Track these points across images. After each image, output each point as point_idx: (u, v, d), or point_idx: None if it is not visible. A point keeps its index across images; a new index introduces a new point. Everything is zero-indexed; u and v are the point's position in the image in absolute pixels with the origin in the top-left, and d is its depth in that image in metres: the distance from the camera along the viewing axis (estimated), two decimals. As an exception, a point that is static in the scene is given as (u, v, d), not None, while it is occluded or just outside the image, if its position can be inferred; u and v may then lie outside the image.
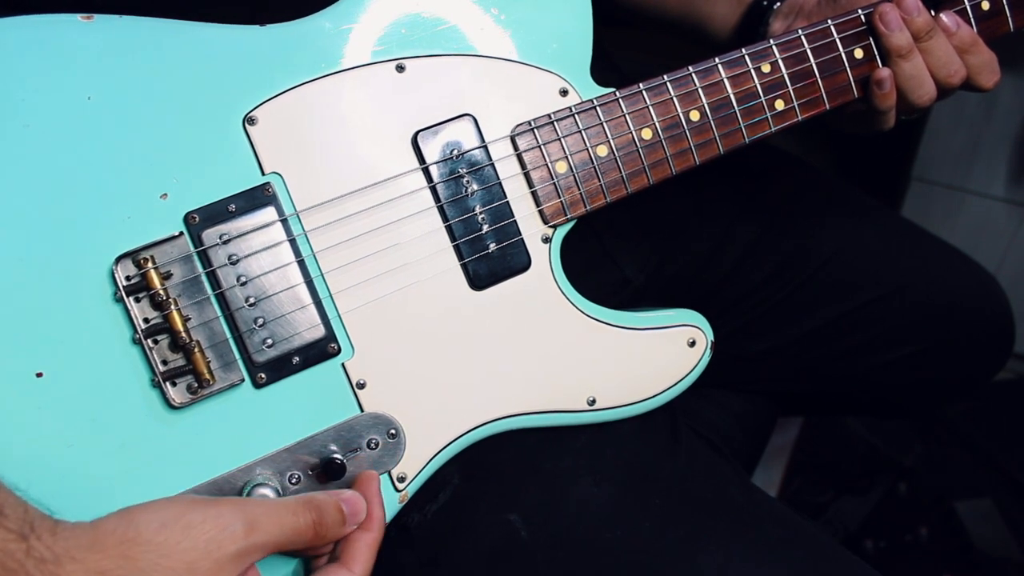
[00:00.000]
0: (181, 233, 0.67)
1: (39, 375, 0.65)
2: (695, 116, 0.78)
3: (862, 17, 0.81)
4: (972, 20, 0.84)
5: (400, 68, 0.72)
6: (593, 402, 0.78)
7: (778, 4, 0.91)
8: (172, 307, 0.66)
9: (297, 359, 0.70)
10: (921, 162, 1.75)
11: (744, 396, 1.17)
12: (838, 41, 0.81)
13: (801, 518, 0.82)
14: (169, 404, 0.67)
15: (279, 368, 0.70)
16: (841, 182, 1.16)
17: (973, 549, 1.47)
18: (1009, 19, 0.86)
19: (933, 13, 0.81)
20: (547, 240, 0.77)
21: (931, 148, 1.73)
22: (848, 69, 0.82)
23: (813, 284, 1.06)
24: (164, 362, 0.67)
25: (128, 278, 0.66)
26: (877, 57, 0.82)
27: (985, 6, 0.84)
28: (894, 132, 0.88)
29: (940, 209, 1.76)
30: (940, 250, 1.13)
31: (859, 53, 0.82)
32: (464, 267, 0.74)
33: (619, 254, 1.01)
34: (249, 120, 0.69)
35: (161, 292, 0.66)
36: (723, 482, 0.82)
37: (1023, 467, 1.55)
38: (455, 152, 0.73)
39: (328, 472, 0.70)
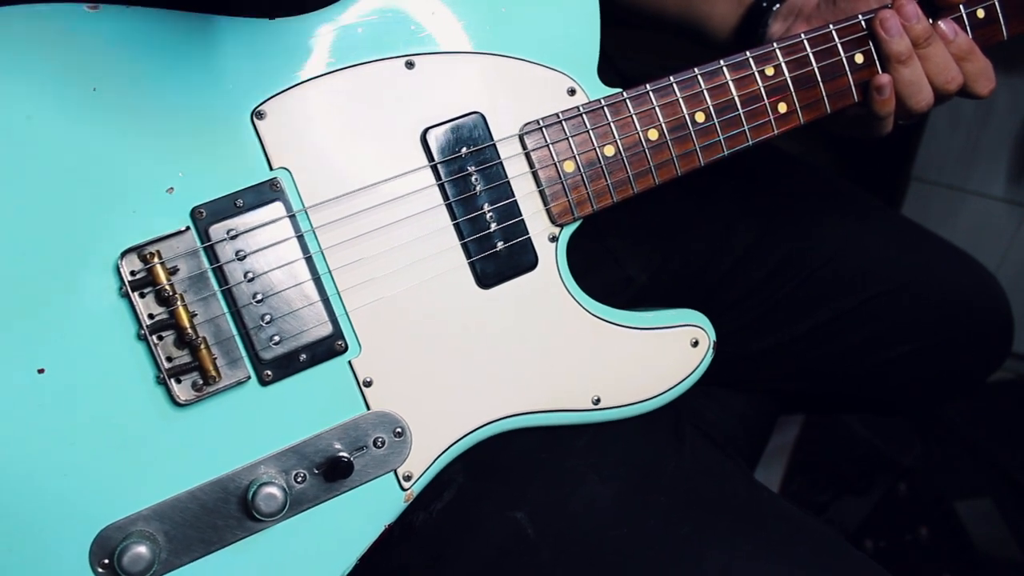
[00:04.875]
0: (188, 228, 0.67)
1: (41, 371, 0.64)
2: (700, 118, 0.78)
3: (863, 23, 0.82)
4: (968, 28, 0.85)
5: (410, 65, 0.72)
6: (598, 401, 0.78)
7: (777, 6, 0.91)
8: (178, 303, 0.66)
9: (304, 356, 0.70)
10: (921, 162, 1.76)
11: (746, 395, 1.17)
12: (839, 46, 0.81)
13: (805, 514, 0.82)
14: (174, 401, 0.67)
15: (286, 365, 0.70)
16: (842, 181, 1.16)
17: (973, 549, 1.47)
18: (1003, 27, 0.87)
19: (931, 21, 0.82)
20: (554, 239, 0.76)
21: (930, 148, 1.73)
22: (849, 73, 0.82)
23: (814, 282, 1.06)
24: (169, 358, 0.67)
25: (133, 273, 0.66)
26: (876, 62, 0.82)
27: (980, 14, 0.85)
28: (893, 133, 0.89)
29: (940, 209, 1.77)
30: (941, 249, 1.13)
31: (859, 58, 0.82)
32: (471, 265, 0.74)
33: (622, 253, 1.01)
34: (258, 114, 0.68)
35: (167, 287, 0.65)
36: (727, 479, 0.82)
37: (1023, 467, 1.56)
38: (464, 150, 0.73)
39: (334, 471, 0.70)
